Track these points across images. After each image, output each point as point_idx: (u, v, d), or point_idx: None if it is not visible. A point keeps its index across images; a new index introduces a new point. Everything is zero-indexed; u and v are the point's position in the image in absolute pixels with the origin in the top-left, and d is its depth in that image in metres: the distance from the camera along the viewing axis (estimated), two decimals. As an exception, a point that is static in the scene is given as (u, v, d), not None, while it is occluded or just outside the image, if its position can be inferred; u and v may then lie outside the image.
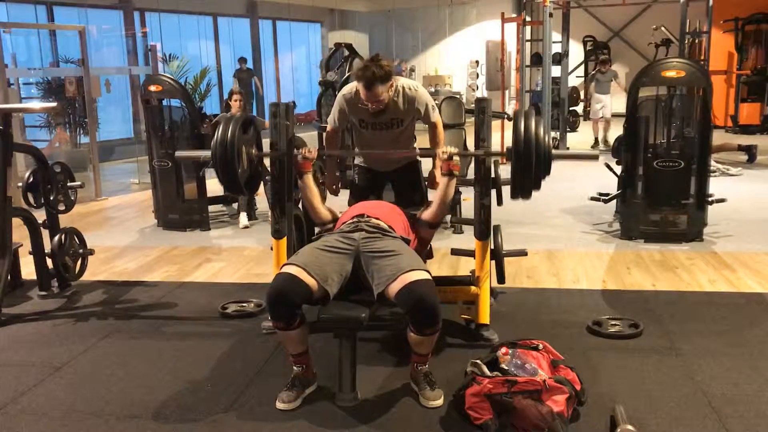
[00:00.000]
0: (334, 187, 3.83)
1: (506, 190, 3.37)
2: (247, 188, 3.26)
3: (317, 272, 2.63)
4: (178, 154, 3.67)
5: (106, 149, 10.60)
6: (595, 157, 3.18)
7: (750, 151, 8.61)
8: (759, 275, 4.27)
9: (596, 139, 10.63)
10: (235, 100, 6.18)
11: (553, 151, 2.92)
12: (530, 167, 2.84)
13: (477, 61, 16.86)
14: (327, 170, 3.90)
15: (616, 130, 7.47)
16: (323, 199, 3.93)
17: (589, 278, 4.31)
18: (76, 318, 3.79)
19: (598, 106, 10.41)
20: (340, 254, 2.76)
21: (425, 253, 3.33)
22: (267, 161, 3.60)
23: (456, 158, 3.08)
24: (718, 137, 6.97)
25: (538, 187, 2.93)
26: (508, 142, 3.05)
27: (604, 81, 10.33)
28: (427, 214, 3.15)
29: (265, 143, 3.63)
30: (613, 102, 10.52)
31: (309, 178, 3.19)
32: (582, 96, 10.65)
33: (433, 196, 3.22)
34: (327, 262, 2.70)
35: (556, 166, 3.00)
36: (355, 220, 2.95)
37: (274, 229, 3.37)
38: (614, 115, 10.59)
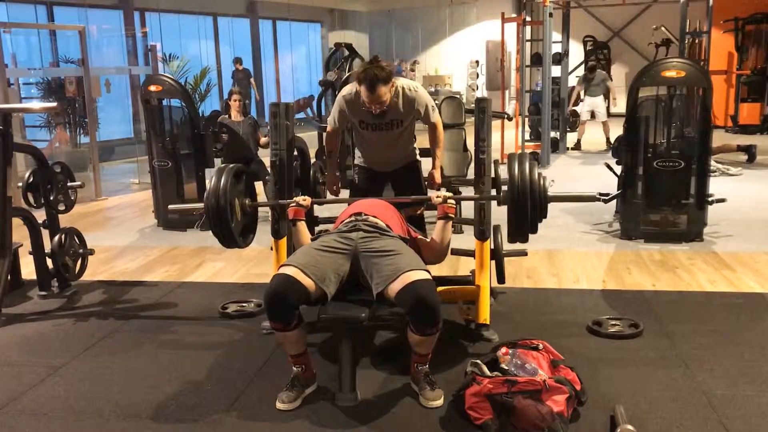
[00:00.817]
0: (335, 187, 3.83)
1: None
2: (241, 239, 3.17)
3: (315, 273, 2.63)
4: (171, 207, 3.62)
5: (106, 149, 10.60)
6: (592, 199, 3.15)
7: (750, 151, 8.60)
8: (759, 275, 4.27)
9: (578, 141, 10.65)
10: (235, 101, 6.20)
11: (549, 194, 2.89)
12: (526, 213, 2.83)
13: (477, 61, 16.87)
14: (327, 170, 3.90)
15: (612, 131, 7.56)
16: (323, 196, 3.95)
17: (589, 278, 4.31)
18: (76, 318, 3.79)
19: (585, 109, 10.43)
20: (337, 254, 2.76)
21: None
22: (267, 162, 3.59)
23: (451, 201, 3.03)
24: (718, 137, 6.97)
25: (534, 230, 2.92)
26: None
27: (593, 84, 10.34)
28: (426, 254, 3.03)
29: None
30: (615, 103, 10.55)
31: (302, 225, 3.12)
32: (573, 99, 10.70)
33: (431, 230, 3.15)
34: (325, 263, 2.70)
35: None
36: (352, 219, 2.95)
37: (274, 229, 3.37)
38: (614, 116, 10.60)
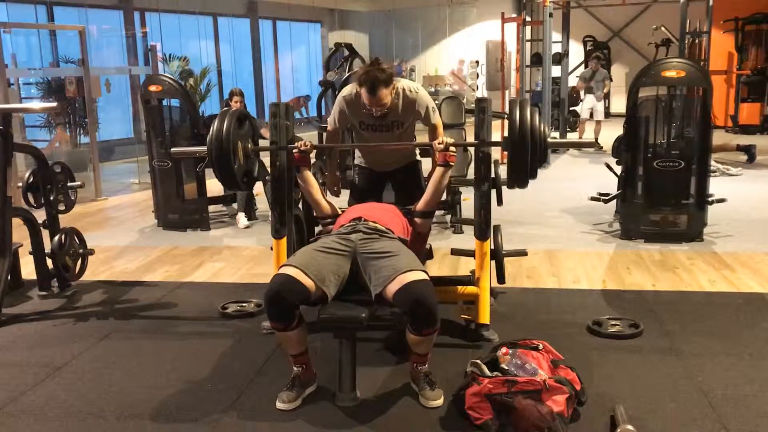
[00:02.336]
0: (335, 188, 3.83)
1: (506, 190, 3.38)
2: (243, 182, 3.25)
3: (315, 273, 2.63)
4: (174, 150, 3.68)
5: (106, 149, 10.60)
6: (593, 144, 3.18)
7: (749, 151, 8.61)
8: (759, 275, 4.27)
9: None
10: (236, 102, 6.18)
11: (549, 139, 2.92)
12: (525, 154, 2.85)
13: (477, 61, 16.86)
14: (327, 171, 3.90)
15: (605, 132, 7.55)
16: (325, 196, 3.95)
17: (589, 278, 4.31)
18: (76, 318, 3.79)
19: (585, 108, 10.41)
20: (337, 255, 2.76)
21: (425, 253, 3.33)
22: (267, 161, 3.60)
23: (452, 149, 3.08)
24: (718, 137, 6.97)
25: (534, 175, 2.94)
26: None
27: (594, 81, 10.33)
28: (420, 203, 3.15)
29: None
30: (614, 102, 10.54)
31: (307, 172, 3.19)
32: (582, 95, 10.66)
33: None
34: (325, 263, 2.70)
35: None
36: (352, 222, 2.95)
37: (274, 229, 3.37)
38: (614, 115, 10.59)
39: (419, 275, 2.58)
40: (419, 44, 17.48)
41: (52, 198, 4.22)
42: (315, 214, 3.34)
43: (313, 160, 4.09)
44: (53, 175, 4.24)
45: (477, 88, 16.62)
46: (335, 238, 2.85)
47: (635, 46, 16.43)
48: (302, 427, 2.55)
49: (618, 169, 5.34)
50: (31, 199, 4.24)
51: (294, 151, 3.20)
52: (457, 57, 17.30)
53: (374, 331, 3.33)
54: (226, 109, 3.24)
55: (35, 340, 3.51)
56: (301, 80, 17.62)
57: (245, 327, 3.57)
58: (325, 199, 3.29)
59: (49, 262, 4.17)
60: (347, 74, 7.03)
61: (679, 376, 2.88)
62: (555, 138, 2.95)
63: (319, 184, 3.96)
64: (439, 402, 2.66)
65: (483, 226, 3.23)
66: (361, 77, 3.20)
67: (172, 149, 3.73)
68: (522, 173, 2.96)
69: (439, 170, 3.10)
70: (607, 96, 10.75)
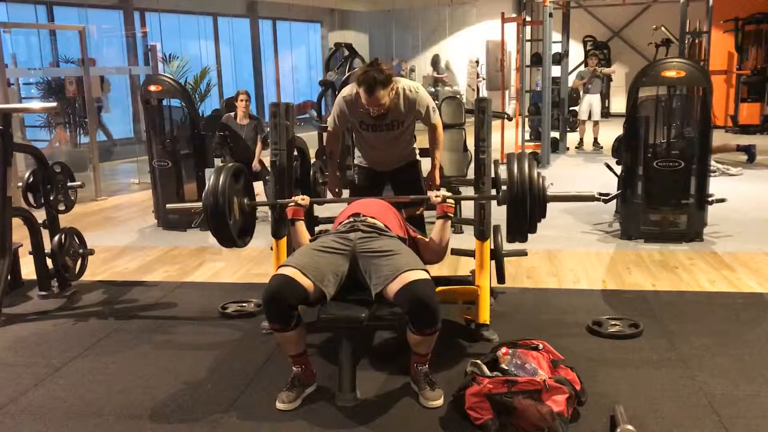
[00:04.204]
0: (336, 189, 3.82)
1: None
2: (239, 238, 3.16)
3: (313, 273, 2.63)
4: (169, 206, 3.64)
5: (106, 149, 10.60)
6: (591, 198, 3.16)
7: (749, 150, 8.60)
8: (759, 275, 4.27)
9: (581, 140, 10.63)
10: (241, 101, 6.17)
11: (548, 194, 2.89)
12: (526, 212, 2.83)
13: (477, 61, 16.86)
14: (328, 172, 3.90)
15: (605, 132, 7.53)
16: (323, 195, 3.95)
17: (589, 278, 4.31)
18: (76, 318, 3.79)
19: (584, 108, 10.41)
20: (336, 254, 2.76)
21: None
22: (267, 161, 3.59)
23: (450, 201, 3.04)
24: (718, 137, 6.97)
25: (533, 230, 2.92)
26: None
27: (592, 80, 10.32)
28: (426, 255, 3.05)
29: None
30: (614, 102, 10.53)
31: (301, 225, 3.13)
32: (581, 94, 10.66)
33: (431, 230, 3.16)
34: (323, 263, 2.70)
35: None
36: (351, 219, 2.95)
37: (274, 229, 3.37)
38: (614, 115, 10.59)
39: (421, 275, 2.58)
40: (419, 44, 17.48)
41: (52, 198, 4.22)
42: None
43: (312, 160, 4.10)
44: (53, 175, 4.24)
45: (477, 89, 16.62)
46: (334, 237, 2.85)
47: (635, 46, 16.43)
48: (302, 427, 2.55)
49: (618, 169, 5.34)
50: (31, 199, 4.23)
51: (290, 205, 3.15)
52: (458, 57, 17.29)
53: (374, 331, 3.34)
54: (221, 165, 3.17)
55: (35, 340, 3.50)
56: (301, 80, 17.62)
57: (245, 327, 3.57)
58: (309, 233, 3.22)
59: (49, 262, 4.17)
60: (347, 74, 7.04)
61: (679, 376, 2.88)
62: (553, 192, 2.92)
63: (319, 184, 3.97)
64: (439, 402, 2.66)
65: (483, 227, 3.23)
66: (359, 77, 3.21)
67: (167, 205, 3.67)
68: (523, 230, 2.94)
69: (439, 223, 3.05)
70: (605, 93, 10.71)
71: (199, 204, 3.08)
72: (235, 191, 3.12)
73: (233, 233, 3.09)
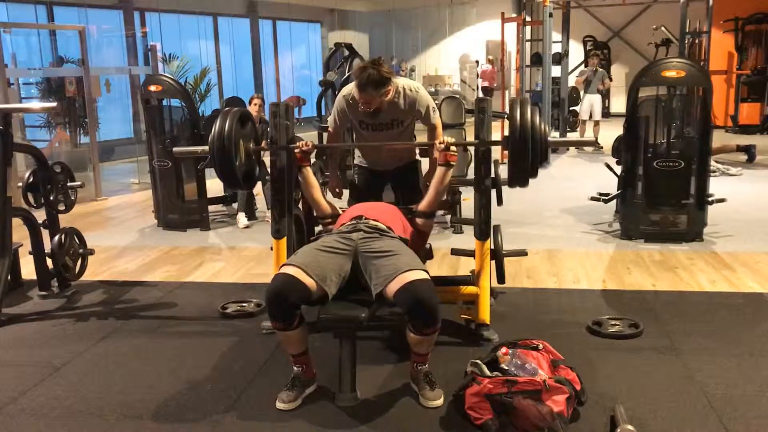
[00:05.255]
0: (337, 189, 3.82)
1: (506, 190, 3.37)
2: (244, 182, 3.26)
3: (316, 272, 2.63)
4: (175, 150, 3.69)
5: (106, 149, 10.60)
6: (593, 143, 3.19)
7: (749, 150, 8.60)
8: (759, 275, 4.27)
9: None
10: (254, 104, 6.13)
11: (550, 138, 2.92)
12: (527, 152, 2.85)
13: (477, 61, 16.87)
14: (329, 172, 3.90)
15: (605, 132, 7.53)
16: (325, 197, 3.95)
17: (589, 278, 4.31)
18: (76, 318, 3.79)
19: (584, 107, 10.41)
20: (338, 254, 2.76)
21: (425, 252, 3.33)
22: (267, 162, 3.60)
23: (453, 148, 3.09)
24: (718, 137, 6.97)
25: (534, 174, 2.94)
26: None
27: (593, 79, 10.32)
28: (422, 204, 3.17)
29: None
30: (614, 102, 10.53)
31: (308, 171, 3.21)
32: (581, 94, 10.67)
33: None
34: (326, 263, 2.70)
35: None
36: (353, 221, 2.95)
37: (274, 229, 3.37)
38: (614, 115, 10.59)
39: (420, 275, 2.58)
40: (419, 44, 17.49)
41: (52, 198, 4.22)
42: (315, 214, 3.34)
43: (313, 160, 4.10)
44: (53, 175, 4.24)
45: (477, 88, 16.62)
46: (336, 237, 2.85)
47: (635, 46, 16.44)
48: (302, 427, 2.55)
49: (618, 169, 5.34)
50: (31, 199, 4.23)
51: (296, 151, 3.21)
52: (457, 57, 17.29)
53: (374, 330, 3.34)
54: (227, 108, 3.24)
55: (35, 340, 3.50)
56: (301, 80, 17.62)
57: (245, 327, 3.57)
58: (325, 199, 3.30)
59: (49, 262, 4.17)
60: (347, 74, 7.04)
61: (679, 376, 2.88)
62: (555, 137, 2.95)
63: (319, 184, 3.97)
64: (439, 402, 2.66)
65: (483, 226, 3.23)
66: (355, 72, 3.23)
67: (174, 149, 3.74)
68: (523, 172, 2.97)
69: (440, 170, 3.11)
70: (606, 93, 10.73)
71: (205, 147, 3.14)
72: (240, 135, 3.17)
73: (239, 175, 3.17)
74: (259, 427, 2.57)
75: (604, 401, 2.64)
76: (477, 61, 16.80)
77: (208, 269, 4.73)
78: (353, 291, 2.77)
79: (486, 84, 15.88)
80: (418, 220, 3.17)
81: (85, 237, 4.42)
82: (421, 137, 3.74)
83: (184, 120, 6.07)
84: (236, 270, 4.68)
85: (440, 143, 3.10)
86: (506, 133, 3.07)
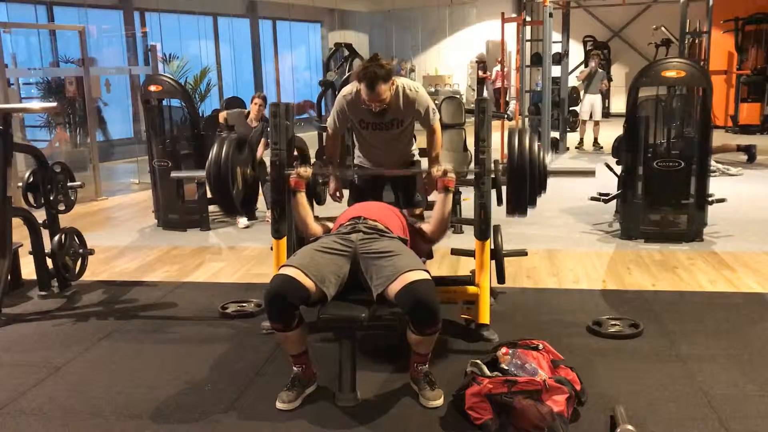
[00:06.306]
0: (338, 194, 3.81)
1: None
2: (242, 208, 3.22)
3: (315, 274, 2.63)
4: (173, 174, 3.69)
5: (106, 149, 10.60)
6: (592, 173, 3.19)
7: (749, 151, 8.60)
8: (759, 275, 4.27)
9: (581, 140, 10.62)
10: (255, 104, 6.11)
11: (549, 167, 2.92)
12: (525, 185, 2.85)
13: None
14: (330, 176, 3.89)
15: (605, 132, 7.52)
16: (323, 200, 3.95)
17: (589, 278, 4.31)
18: (76, 318, 3.79)
19: (585, 108, 10.40)
20: (337, 255, 2.76)
21: (425, 252, 3.33)
22: (267, 162, 3.60)
23: (451, 174, 3.07)
24: (718, 137, 6.97)
25: (533, 204, 2.93)
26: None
27: (593, 82, 10.32)
28: (430, 230, 3.13)
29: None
30: (614, 102, 10.53)
31: (302, 196, 3.16)
32: (581, 95, 10.67)
33: (431, 210, 3.22)
34: (325, 264, 2.70)
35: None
36: (352, 222, 2.95)
37: (274, 229, 3.37)
38: (614, 115, 10.59)
39: (421, 275, 2.58)
40: (419, 44, 17.48)
41: (52, 198, 4.22)
42: (303, 236, 3.25)
43: (313, 160, 4.10)
44: (53, 175, 4.24)
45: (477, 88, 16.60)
46: (335, 238, 2.84)
47: (635, 46, 16.44)
48: (302, 427, 2.55)
49: (618, 169, 5.34)
50: (31, 199, 4.23)
51: (292, 177, 3.18)
52: (457, 57, 17.27)
53: (374, 331, 3.34)
54: (224, 134, 3.21)
55: (35, 340, 3.51)
56: (301, 80, 17.61)
57: (245, 327, 3.57)
58: (316, 221, 3.23)
59: (49, 262, 4.17)
60: (347, 74, 7.04)
61: (679, 376, 2.88)
62: (554, 167, 2.98)
63: (319, 185, 3.97)
64: (439, 402, 2.66)
65: (483, 226, 3.23)
66: (359, 73, 3.20)
67: (171, 173, 3.73)
68: (522, 203, 2.96)
69: (440, 197, 3.08)
70: (606, 93, 10.73)
71: (203, 173, 3.12)
72: (238, 161, 3.14)
73: (236, 202, 3.14)
74: (259, 427, 2.57)
75: (604, 401, 2.64)
76: (483, 63, 16.72)
77: (208, 269, 4.73)
78: (353, 291, 2.77)
79: (498, 85, 15.86)
80: (420, 242, 3.17)
81: (85, 237, 4.42)
82: (422, 137, 3.73)
83: (184, 120, 6.07)
84: (236, 270, 4.68)
85: (437, 170, 3.08)
86: (507, 137, 3.07)
